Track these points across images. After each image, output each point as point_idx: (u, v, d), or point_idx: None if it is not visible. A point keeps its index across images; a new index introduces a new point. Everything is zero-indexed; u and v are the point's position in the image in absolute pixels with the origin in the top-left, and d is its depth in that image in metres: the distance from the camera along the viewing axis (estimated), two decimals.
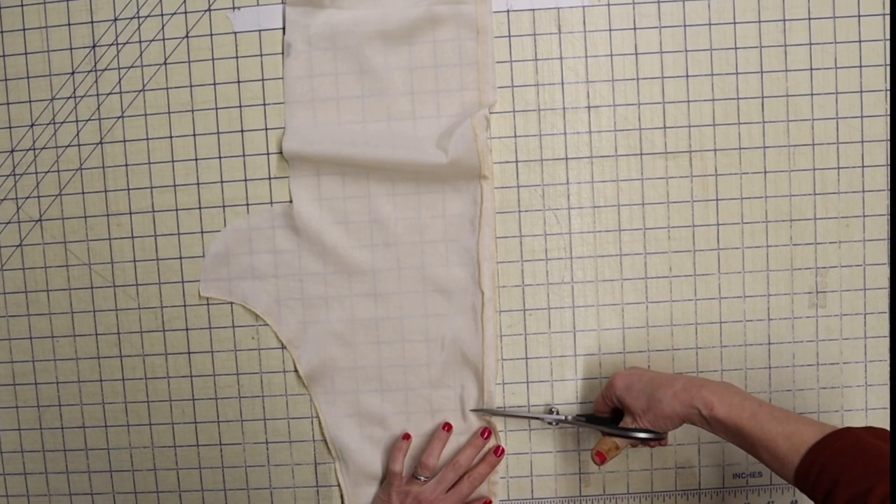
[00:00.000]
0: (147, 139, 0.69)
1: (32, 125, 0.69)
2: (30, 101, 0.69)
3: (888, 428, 0.67)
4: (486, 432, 0.67)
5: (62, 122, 0.69)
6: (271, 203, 0.68)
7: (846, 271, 0.67)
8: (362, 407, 0.69)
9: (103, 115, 0.69)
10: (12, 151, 0.69)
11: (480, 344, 0.67)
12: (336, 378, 0.69)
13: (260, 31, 0.67)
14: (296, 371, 0.69)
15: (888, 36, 0.66)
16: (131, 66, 0.68)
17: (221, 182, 0.69)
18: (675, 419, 0.57)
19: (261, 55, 0.67)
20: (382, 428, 0.69)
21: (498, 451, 0.67)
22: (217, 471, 0.71)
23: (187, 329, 0.70)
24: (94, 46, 0.68)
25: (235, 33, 0.68)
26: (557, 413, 0.67)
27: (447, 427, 0.67)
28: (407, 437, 0.68)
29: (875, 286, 0.67)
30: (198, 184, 0.69)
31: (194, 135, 0.68)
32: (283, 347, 0.69)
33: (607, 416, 0.64)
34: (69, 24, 0.68)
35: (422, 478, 0.66)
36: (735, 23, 0.66)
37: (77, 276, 0.70)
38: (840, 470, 0.47)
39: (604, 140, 0.67)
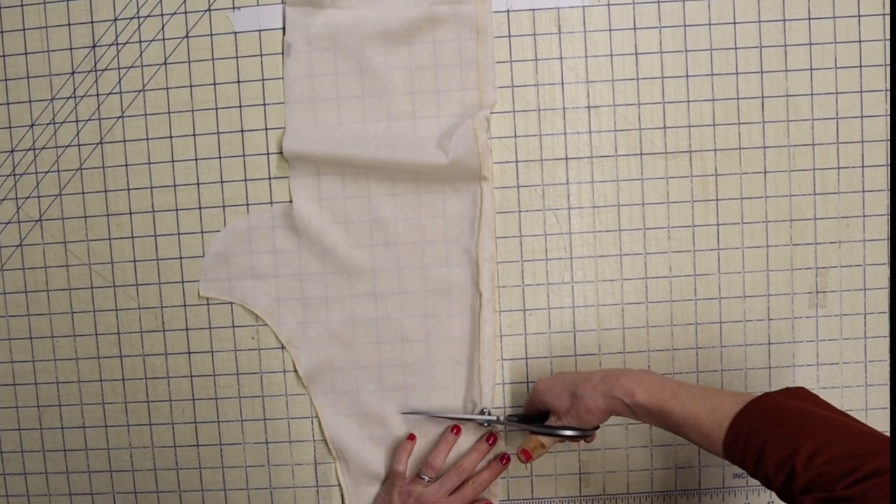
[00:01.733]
0: (147, 139, 0.69)
1: (32, 125, 0.69)
2: (30, 101, 0.69)
3: (891, 432, 0.68)
4: (492, 438, 0.67)
5: (62, 122, 0.69)
6: (271, 203, 0.68)
7: (846, 271, 0.67)
8: (362, 407, 0.69)
9: (103, 115, 0.69)
10: (12, 151, 0.69)
11: (478, 345, 0.67)
12: (336, 378, 0.69)
13: (260, 31, 0.67)
14: (295, 371, 0.69)
15: (888, 36, 0.66)
16: (131, 66, 0.68)
17: (221, 182, 0.69)
18: (599, 413, 0.57)
19: (261, 55, 0.67)
20: (382, 428, 0.69)
21: (503, 459, 0.67)
22: (217, 471, 0.71)
23: (187, 329, 0.70)
24: (94, 46, 0.68)
25: (235, 33, 0.68)
26: (489, 414, 0.67)
27: (456, 430, 0.67)
28: (412, 437, 0.68)
29: (875, 286, 0.67)
30: (198, 184, 0.69)
31: (194, 135, 0.68)
32: (283, 347, 0.69)
33: (534, 415, 0.64)
34: (69, 24, 0.68)
35: (426, 478, 0.65)
36: (735, 23, 0.66)
37: (77, 276, 0.70)
38: (764, 436, 0.47)
39: (604, 140, 0.67)
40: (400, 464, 0.66)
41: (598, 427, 0.60)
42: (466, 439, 0.68)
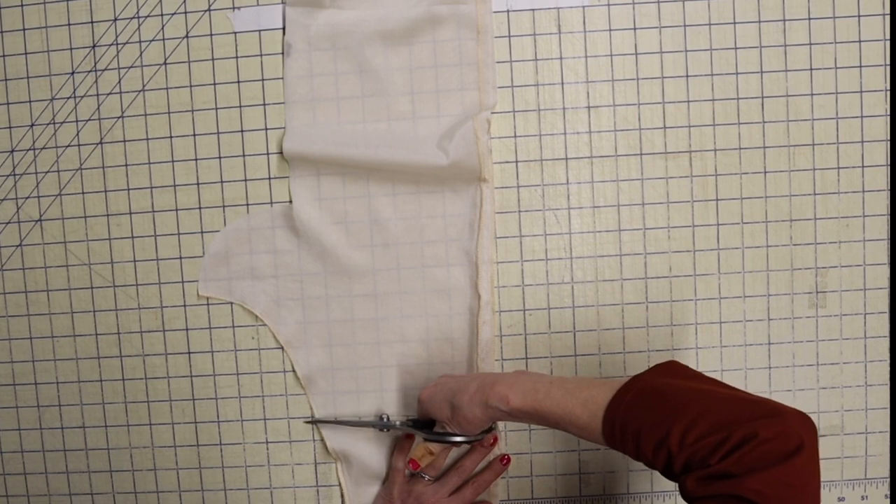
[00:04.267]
0: (147, 139, 0.69)
1: (32, 125, 0.69)
2: (30, 101, 0.69)
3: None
4: (494, 439, 0.67)
5: (62, 122, 0.69)
6: (271, 203, 0.68)
7: (846, 271, 0.67)
8: (361, 408, 0.69)
9: (103, 115, 0.69)
10: (12, 151, 0.69)
11: (476, 347, 0.67)
12: (335, 378, 0.69)
13: (260, 31, 0.67)
14: (294, 371, 0.69)
15: (888, 36, 0.66)
16: (131, 66, 0.68)
17: (221, 182, 0.69)
18: (478, 422, 0.56)
19: (261, 55, 0.67)
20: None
21: (504, 460, 0.67)
22: (217, 471, 0.71)
23: (187, 329, 0.70)
24: (94, 46, 0.68)
25: (235, 33, 0.68)
26: (388, 419, 0.67)
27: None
28: (410, 436, 0.68)
29: (875, 286, 0.67)
30: (198, 184, 0.69)
31: (194, 135, 0.68)
32: (283, 348, 0.69)
33: (427, 423, 0.64)
34: (69, 24, 0.68)
35: (426, 477, 0.65)
36: (735, 23, 0.66)
37: (77, 276, 0.70)
38: (637, 423, 0.47)
39: (604, 140, 0.67)
40: (399, 461, 0.66)
41: (490, 430, 0.61)
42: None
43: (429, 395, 0.60)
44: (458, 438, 0.60)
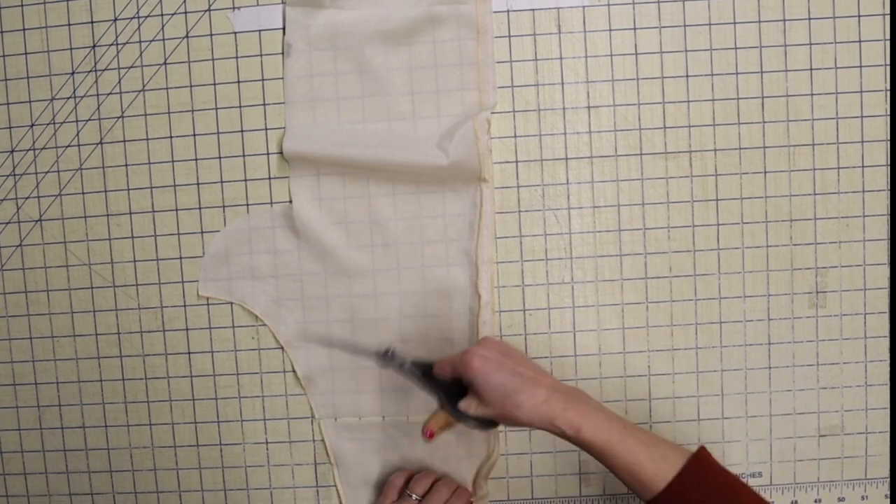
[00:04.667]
0: (147, 139, 0.69)
1: (32, 125, 0.69)
2: (30, 101, 0.69)
3: (888, 431, 0.68)
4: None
5: (62, 122, 0.69)
6: (271, 203, 0.68)
7: (846, 271, 0.67)
8: (361, 408, 0.69)
9: (103, 115, 0.69)
10: (12, 151, 0.69)
11: None
12: (335, 379, 0.69)
13: (260, 31, 0.67)
14: (294, 371, 0.69)
15: (888, 36, 0.66)
16: (131, 66, 0.68)
17: (221, 182, 0.69)
18: (526, 425, 0.53)
19: (261, 55, 0.68)
20: (382, 430, 0.69)
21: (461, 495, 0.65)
22: (217, 471, 0.71)
23: (187, 329, 0.70)
24: (94, 46, 0.68)
25: (235, 33, 0.68)
26: (392, 355, 0.59)
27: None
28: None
29: (875, 286, 0.67)
30: (198, 184, 0.69)
31: (194, 135, 0.68)
32: (283, 348, 0.69)
33: (447, 381, 0.57)
34: (69, 25, 0.68)
35: (413, 495, 0.65)
36: (735, 23, 0.66)
37: (77, 276, 0.70)
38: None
39: (604, 140, 0.67)
40: (399, 478, 0.66)
41: (495, 425, 0.57)
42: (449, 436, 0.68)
43: (484, 371, 0.54)
44: (483, 426, 0.56)
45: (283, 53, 0.67)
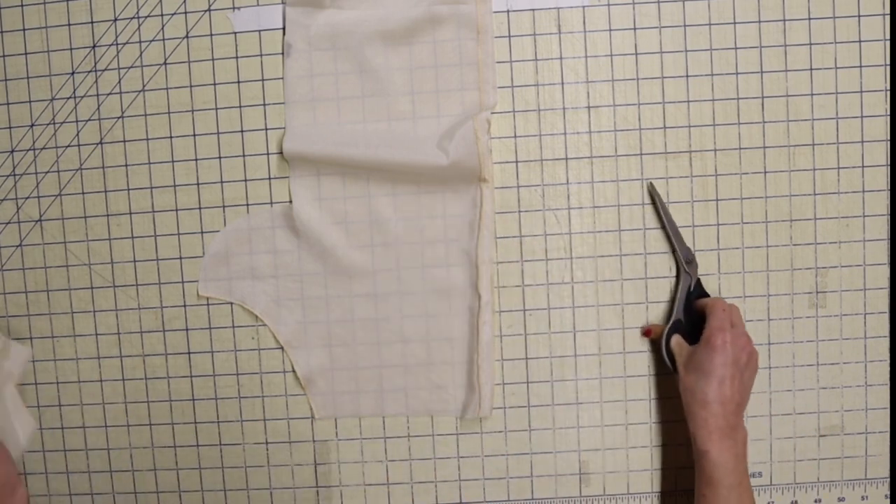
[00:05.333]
0: (147, 139, 0.69)
1: (32, 125, 0.69)
2: (30, 101, 0.69)
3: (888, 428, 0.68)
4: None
5: (62, 123, 0.69)
6: (271, 203, 0.68)
7: (846, 271, 0.67)
8: (361, 408, 0.69)
9: (103, 115, 0.69)
10: (12, 151, 0.69)
11: (477, 347, 0.67)
12: (335, 379, 0.69)
13: (260, 31, 0.67)
14: (294, 371, 0.69)
15: (888, 36, 0.66)
16: (131, 66, 0.68)
17: (221, 182, 0.69)
18: (685, 407, 0.61)
19: (261, 55, 0.68)
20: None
21: None
22: (217, 471, 0.71)
23: (187, 329, 0.70)
24: (94, 46, 0.68)
25: (235, 33, 0.68)
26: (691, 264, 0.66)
27: None
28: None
29: (875, 286, 0.67)
30: (198, 184, 0.69)
31: (194, 135, 0.68)
32: (283, 348, 0.69)
33: (695, 313, 0.65)
34: (69, 25, 0.68)
35: None
36: (735, 23, 0.66)
37: (77, 276, 0.70)
38: None
39: (604, 140, 0.67)
40: None
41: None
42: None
43: (713, 350, 0.59)
44: (670, 360, 0.65)
45: (283, 53, 0.67)
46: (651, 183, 0.66)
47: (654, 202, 0.66)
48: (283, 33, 0.67)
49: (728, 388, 0.59)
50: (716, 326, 0.60)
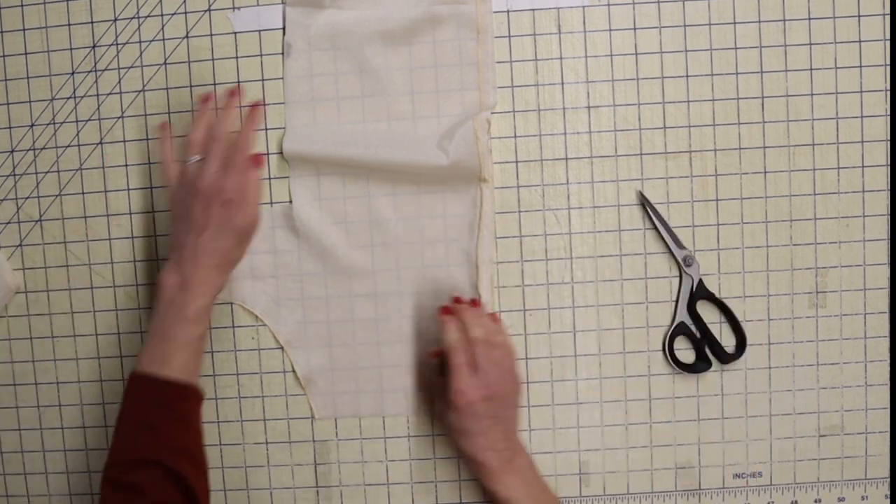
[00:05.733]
0: (147, 139, 0.69)
1: (32, 125, 0.69)
2: (30, 101, 0.69)
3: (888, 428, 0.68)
4: (235, 92, 0.61)
5: (62, 123, 0.69)
6: (271, 203, 0.68)
7: (846, 271, 0.67)
8: (361, 408, 0.69)
9: (103, 115, 0.69)
10: (12, 151, 0.69)
11: None
12: (335, 379, 0.69)
13: (260, 31, 0.67)
14: (294, 371, 0.69)
15: (888, 36, 0.66)
16: (131, 66, 0.68)
17: None
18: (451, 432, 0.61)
19: (261, 55, 0.68)
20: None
21: (255, 104, 0.61)
22: (217, 471, 0.71)
23: None
24: (94, 46, 0.68)
25: (235, 33, 0.68)
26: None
27: (206, 97, 0.62)
28: (164, 126, 0.63)
29: (875, 286, 0.67)
30: None
31: None
32: (283, 348, 0.69)
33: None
34: (69, 25, 0.68)
35: (192, 159, 0.58)
36: (735, 23, 0.66)
37: (77, 276, 0.70)
38: None
39: (604, 140, 0.67)
40: (166, 156, 0.61)
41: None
42: None
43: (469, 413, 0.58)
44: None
45: (283, 53, 0.67)
46: (639, 191, 0.66)
47: (645, 209, 0.66)
48: (283, 33, 0.67)
49: (490, 435, 0.58)
50: (455, 389, 0.58)
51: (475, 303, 0.64)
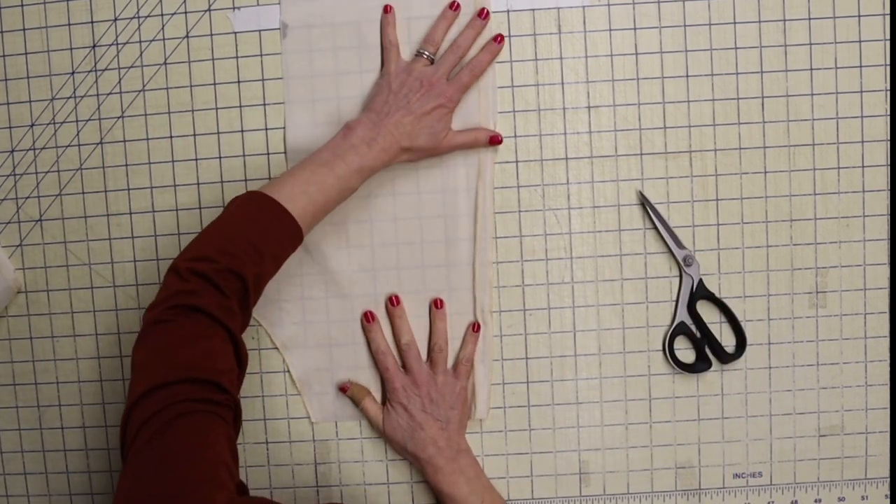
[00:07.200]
0: (147, 139, 0.69)
1: (32, 125, 0.69)
2: (30, 101, 0.69)
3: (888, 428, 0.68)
4: (485, 12, 0.65)
5: (62, 122, 0.69)
6: None
7: (846, 271, 0.67)
8: (358, 410, 0.69)
9: (103, 115, 0.69)
10: (12, 151, 0.69)
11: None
12: (334, 379, 0.69)
13: (260, 31, 0.67)
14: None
15: (888, 36, 0.66)
16: (131, 66, 0.68)
17: (221, 182, 0.69)
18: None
19: (261, 55, 0.67)
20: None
21: (498, 39, 0.65)
22: None
23: None
24: (94, 46, 0.68)
25: (235, 33, 0.68)
26: None
27: (455, 6, 0.65)
28: (389, 9, 0.65)
29: (875, 286, 0.67)
30: (198, 184, 0.69)
31: (194, 135, 0.68)
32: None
33: None
34: (69, 25, 0.68)
35: (426, 53, 0.63)
36: (735, 23, 0.66)
37: (77, 276, 0.70)
38: None
39: (604, 140, 0.67)
40: (389, 30, 0.65)
41: None
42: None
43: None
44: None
45: (279, 31, 0.67)
46: (639, 191, 0.66)
47: (645, 209, 0.66)
48: (280, 13, 0.67)
49: (430, 431, 0.65)
50: (389, 388, 0.67)
51: (476, 327, 0.68)
